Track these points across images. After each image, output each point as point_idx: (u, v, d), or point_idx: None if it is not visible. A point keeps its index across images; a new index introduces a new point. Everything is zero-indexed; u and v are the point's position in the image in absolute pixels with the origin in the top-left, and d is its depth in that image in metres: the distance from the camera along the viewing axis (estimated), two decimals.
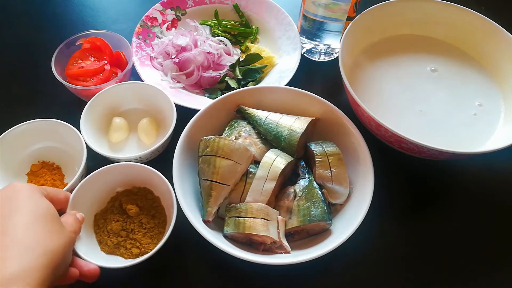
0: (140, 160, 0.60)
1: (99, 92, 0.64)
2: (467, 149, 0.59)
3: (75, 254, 0.49)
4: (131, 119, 0.67)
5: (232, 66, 0.73)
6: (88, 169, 0.57)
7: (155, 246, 0.50)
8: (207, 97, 0.71)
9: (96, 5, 0.86)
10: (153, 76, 0.71)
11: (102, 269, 0.49)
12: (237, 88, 0.69)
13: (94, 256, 0.49)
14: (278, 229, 0.52)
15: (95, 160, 0.59)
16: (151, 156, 0.62)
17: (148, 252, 0.50)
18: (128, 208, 0.55)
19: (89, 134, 0.60)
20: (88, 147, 0.58)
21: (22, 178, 0.61)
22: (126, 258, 0.52)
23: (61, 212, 0.48)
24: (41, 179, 0.60)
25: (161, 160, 0.62)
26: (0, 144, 0.58)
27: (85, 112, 0.61)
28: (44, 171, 0.61)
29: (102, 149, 0.60)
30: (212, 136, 0.55)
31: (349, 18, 0.68)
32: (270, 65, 0.75)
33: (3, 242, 0.38)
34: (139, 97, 0.67)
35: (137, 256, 0.52)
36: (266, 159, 0.54)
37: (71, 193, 0.52)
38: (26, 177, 0.61)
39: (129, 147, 0.65)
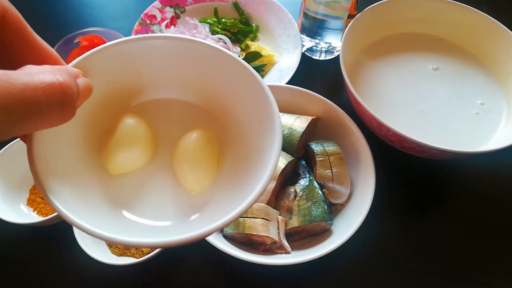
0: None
1: (96, 49, 0.28)
2: (469, 149, 0.59)
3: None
4: (160, 127, 0.32)
5: None
6: None
7: None
8: None
9: (95, 2, 0.86)
10: None
11: (111, 268, 0.48)
12: None
13: (105, 259, 0.49)
14: (278, 229, 0.51)
15: None
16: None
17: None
18: None
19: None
20: None
21: (25, 191, 0.58)
22: (137, 258, 0.52)
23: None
24: (38, 199, 0.58)
25: None
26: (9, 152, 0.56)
27: None
28: None
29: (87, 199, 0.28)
30: None
31: (350, 16, 0.67)
32: (270, 63, 0.74)
33: None
34: (185, 74, 0.31)
35: (148, 254, 0.52)
36: None
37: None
38: (28, 193, 0.59)
39: (151, 193, 0.31)
